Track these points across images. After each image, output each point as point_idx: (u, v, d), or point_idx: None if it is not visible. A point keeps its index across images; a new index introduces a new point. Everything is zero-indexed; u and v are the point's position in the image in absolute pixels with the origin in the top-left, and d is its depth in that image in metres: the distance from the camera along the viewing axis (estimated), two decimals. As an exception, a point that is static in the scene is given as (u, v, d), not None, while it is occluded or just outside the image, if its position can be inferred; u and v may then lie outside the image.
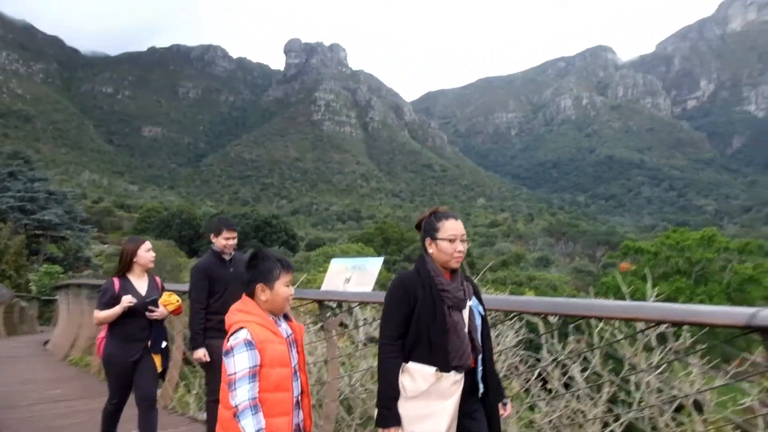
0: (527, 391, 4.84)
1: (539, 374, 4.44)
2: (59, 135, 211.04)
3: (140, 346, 4.21)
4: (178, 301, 4.33)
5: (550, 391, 4.51)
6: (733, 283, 30.66)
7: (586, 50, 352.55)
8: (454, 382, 2.46)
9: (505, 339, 4.79)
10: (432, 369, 2.42)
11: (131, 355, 4.18)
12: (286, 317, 2.55)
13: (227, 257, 4.60)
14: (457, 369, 2.46)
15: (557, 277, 41.89)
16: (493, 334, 5.66)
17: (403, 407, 2.43)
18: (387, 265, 39.94)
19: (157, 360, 4.27)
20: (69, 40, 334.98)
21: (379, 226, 74.44)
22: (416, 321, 2.47)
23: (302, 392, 2.51)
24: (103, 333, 4.38)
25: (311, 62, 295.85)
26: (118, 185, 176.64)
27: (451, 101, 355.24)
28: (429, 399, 2.42)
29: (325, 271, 4.34)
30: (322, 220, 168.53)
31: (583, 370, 4.26)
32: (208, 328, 4.49)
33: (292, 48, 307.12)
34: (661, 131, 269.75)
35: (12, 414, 6.39)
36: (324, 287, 4.89)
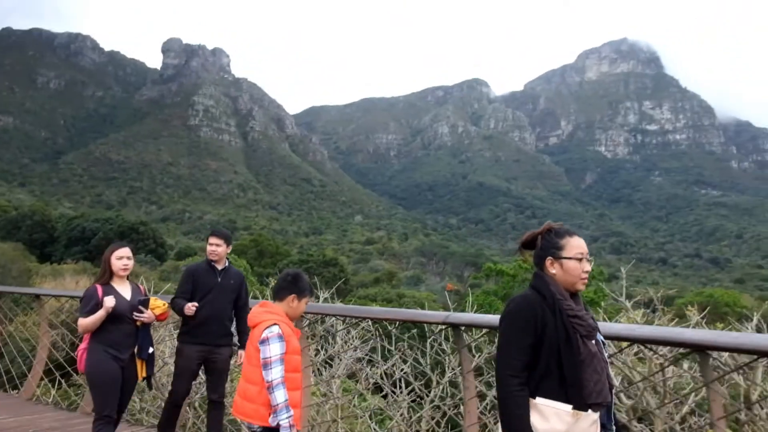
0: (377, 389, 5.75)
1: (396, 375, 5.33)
2: None
3: (127, 353, 4.13)
4: (164, 305, 4.34)
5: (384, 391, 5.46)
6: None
7: (464, 82, 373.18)
8: (592, 422, 2.24)
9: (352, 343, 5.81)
10: (568, 407, 2.18)
11: (120, 362, 4.08)
12: None
13: (219, 267, 4.65)
14: (594, 407, 2.24)
15: (425, 295, 43.61)
16: (339, 339, 6.29)
17: None
18: (260, 279, 39.25)
19: (141, 367, 4.20)
20: None
21: (254, 238, 72.87)
22: (546, 352, 2.23)
23: None
24: (84, 344, 4.22)
25: (191, 64, 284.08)
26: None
27: (334, 118, 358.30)
28: None
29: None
30: (194, 228, 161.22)
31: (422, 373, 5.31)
32: (181, 333, 4.55)
33: (171, 47, 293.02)
34: (526, 163, 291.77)
35: None
36: None
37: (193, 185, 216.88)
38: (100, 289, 4.13)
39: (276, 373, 3.03)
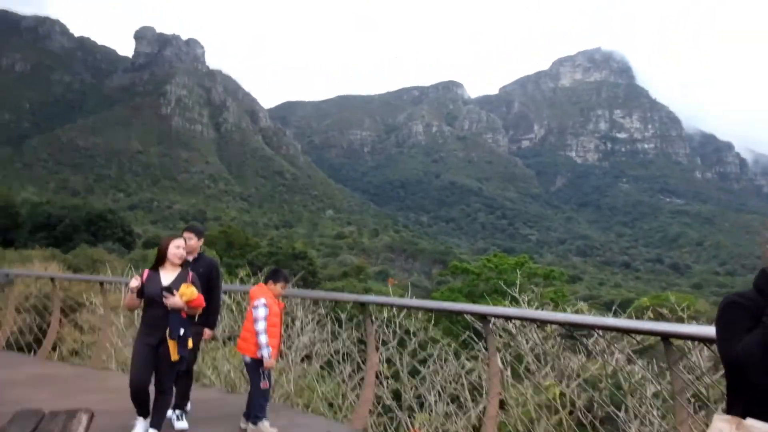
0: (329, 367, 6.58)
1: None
2: None
3: (159, 334, 4.51)
4: (194, 293, 4.54)
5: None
6: (538, 304, 34.96)
7: (439, 83, 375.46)
8: None
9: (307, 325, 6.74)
10: None
11: (150, 341, 4.52)
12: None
13: (190, 258, 5.24)
14: None
15: (391, 291, 44.25)
16: (297, 323, 7.03)
17: None
18: (228, 269, 39.34)
19: (173, 346, 4.51)
20: None
21: (223, 230, 72.68)
22: None
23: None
24: None
25: (164, 54, 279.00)
26: None
27: (309, 113, 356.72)
28: None
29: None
30: (163, 218, 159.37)
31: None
32: None
33: (143, 35, 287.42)
34: (499, 165, 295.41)
35: None
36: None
37: (162, 174, 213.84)
38: (145, 273, 4.69)
39: (261, 326, 5.00)
